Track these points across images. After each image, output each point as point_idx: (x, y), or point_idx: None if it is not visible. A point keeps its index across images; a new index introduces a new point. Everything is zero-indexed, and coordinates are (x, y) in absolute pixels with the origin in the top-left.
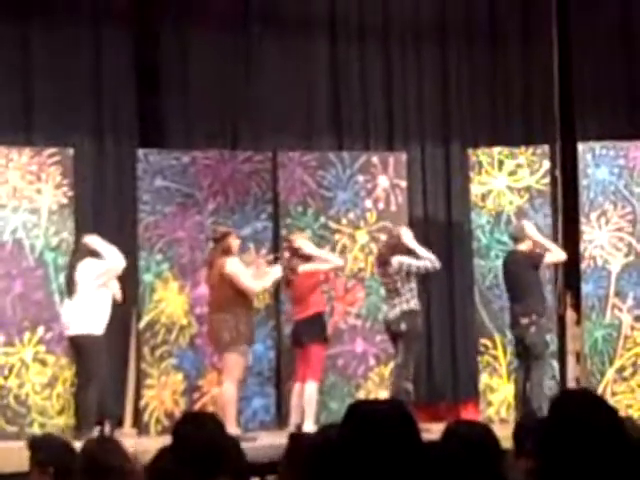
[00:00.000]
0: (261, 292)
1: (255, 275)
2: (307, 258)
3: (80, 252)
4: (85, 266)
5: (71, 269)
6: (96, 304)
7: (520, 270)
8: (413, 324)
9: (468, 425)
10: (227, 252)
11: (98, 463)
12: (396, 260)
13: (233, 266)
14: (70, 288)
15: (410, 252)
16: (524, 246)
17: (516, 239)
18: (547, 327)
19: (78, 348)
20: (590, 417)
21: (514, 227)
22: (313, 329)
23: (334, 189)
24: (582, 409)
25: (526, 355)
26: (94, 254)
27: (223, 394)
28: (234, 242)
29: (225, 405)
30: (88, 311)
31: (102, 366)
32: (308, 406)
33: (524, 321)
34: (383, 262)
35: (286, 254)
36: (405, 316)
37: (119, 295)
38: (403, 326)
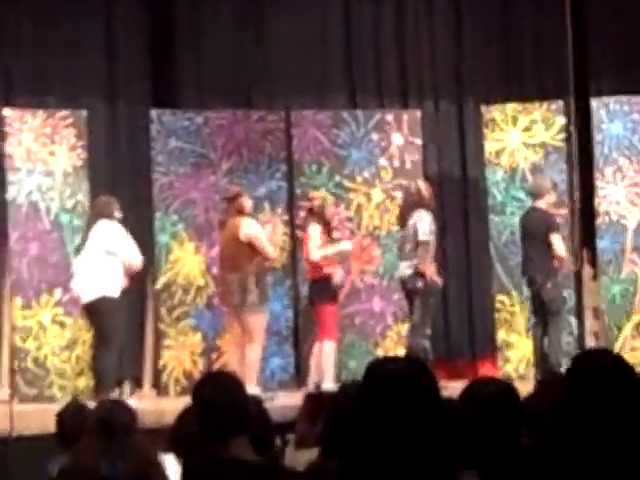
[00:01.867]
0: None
1: (270, 235)
2: (323, 220)
3: (94, 213)
4: (99, 229)
5: (85, 231)
6: (109, 266)
7: (537, 227)
8: (430, 281)
9: (489, 383)
10: (241, 212)
11: (107, 422)
12: (413, 220)
13: (251, 228)
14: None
15: (430, 208)
16: (542, 203)
17: (535, 195)
18: (563, 283)
19: (94, 312)
20: (610, 378)
21: (532, 183)
22: (323, 290)
23: (348, 147)
24: (601, 370)
25: (543, 311)
26: (108, 215)
27: (248, 355)
28: (246, 202)
29: (249, 366)
30: (101, 274)
31: (120, 328)
32: (326, 365)
33: (540, 277)
34: (403, 220)
35: (302, 213)
36: (420, 273)
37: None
38: (419, 283)
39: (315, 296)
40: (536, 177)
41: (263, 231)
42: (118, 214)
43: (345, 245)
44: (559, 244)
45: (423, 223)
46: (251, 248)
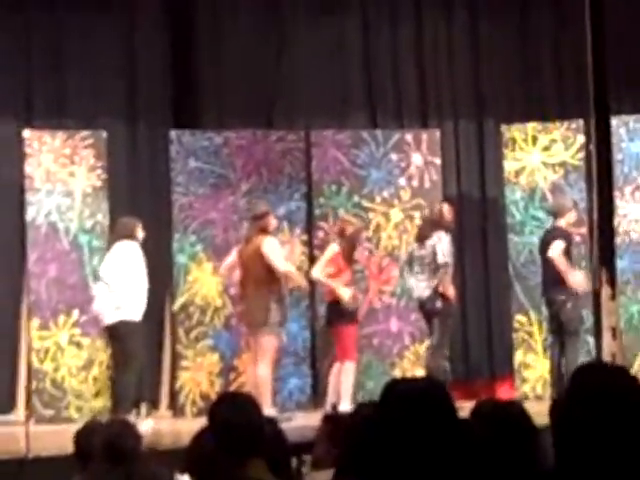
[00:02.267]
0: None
1: (288, 255)
2: (351, 244)
3: (116, 233)
4: (120, 248)
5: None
6: (132, 288)
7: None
8: (447, 302)
9: (495, 404)
10: (264, 231)
11: (112, 445)
12: (433, 240)
13: (269, 245)
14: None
15: (450, 230)
16: (563, 222)
17: (555, 214)
18: (582, 303)
19: (115, 335)
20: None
21: (553, 202)
22: (340, 311)
23: (368, 167)
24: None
25: (561, 331)
26: (129, 236)
27: (258, 375)
28: (272, 222)
29: (260, 386)
30: (124, 296)
31: (140, 351)
32: (344, 386)
33: (560, 297)
34: (422, 238)
35: (321, 233)
36: (439, 294)
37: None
38: (438, 304)
39: (333, 317)
40: (557, 196)
41: (281, 250)
42: (140, 234)
43: (344, 292)
44: (556, 248)
45: (442, 244)
46: (268, 266)
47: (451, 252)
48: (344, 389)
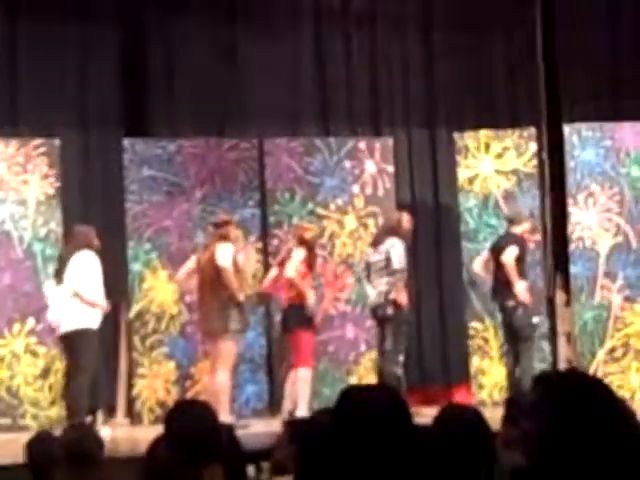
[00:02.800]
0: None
1: (243, 262)
2: (311, 251)
3: (75, 242)
4: (81, 258)
5: (62, 260)
6: (89, 296)
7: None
8: (399, 309)
9: (459, 409)
10: (224, 239)
11: (73, 450)
12: (386, 246)
13: (223, 258)
14: (59, 279)
15: (406, 239)
16: (518, 229)
17: (511, 221)
18: (533, 309)
19: (71, 343)
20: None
21: (510, 209)
22: (298, 315)
23: (321, 175)
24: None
25: (514, 338)
26: (90, 246)
27: (217, 382)
28: (233, 232)
29: (219, 393)
30: (79, 305)
31: (93, 358)
32: (301, 392)
33: (510, 303)
34: (375, 243)
35: (276, 241)
36: (391, 301)
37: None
38: (389, 311)
39: (291, 322)
40: (512, 204)
41: (239, 258)
42: (96, 243)
43: (311, 296)
44: (509, 253)
45: (396, 250)
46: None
47: (405, 259)
48: (301, 396)
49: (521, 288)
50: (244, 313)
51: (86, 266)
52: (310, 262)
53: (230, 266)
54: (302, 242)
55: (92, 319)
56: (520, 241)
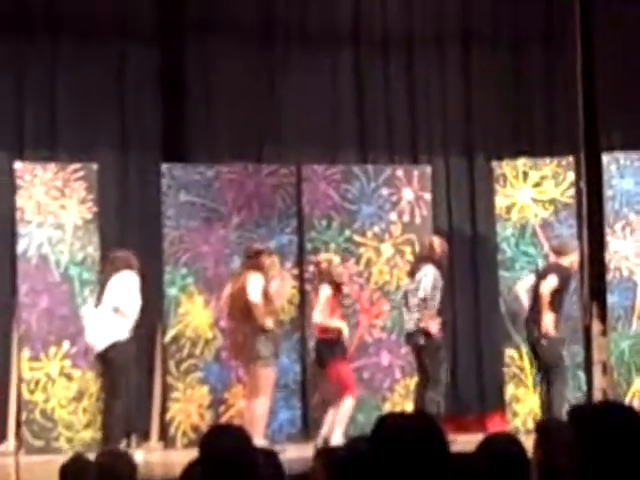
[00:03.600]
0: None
1: (278, 288)
2: (331, 280)
3: (114, 265)
4: (121, 277)
5: (101, 284)
6: (129, 311)
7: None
8: (430, 337)
9: (498, 439)
10: (256, 268)
11: (106, 474)
12: (420, 274)
13: (252, 279)
14: (98, 302)
15: (440, 264)
16: (566, 260)
17: (558, 252)
18: (560, 340)
19: (108, 360)
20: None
21: (558, 240)
22: (331, 348)
23: (358, 202)
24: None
25: (544, 368)
26: (130, 267)
27: (256, 408)
28: (266, 260)
29: (256, 419)
30: (113, 322)
31: (130, 374)
32: (340, 419)
33: (534, 334)
34: (412, 272)
35: (312, 267)
36: (421, 329)
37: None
38: (420, 340)
39: (325, 354)
40: (561, 235)
41: (272, 286)
42: (136, 263)
43: (343, 326)
44: (548, 283)
45: (427, 278)
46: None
47: (438, 287)
48: (339, 422)
49: (548, 320)
50: (274, 340)
51: (126, 284)
52: (337, 293)
53: (260, 300)
54: (322, 275)
55: (121, 333)
56: (563, 271)
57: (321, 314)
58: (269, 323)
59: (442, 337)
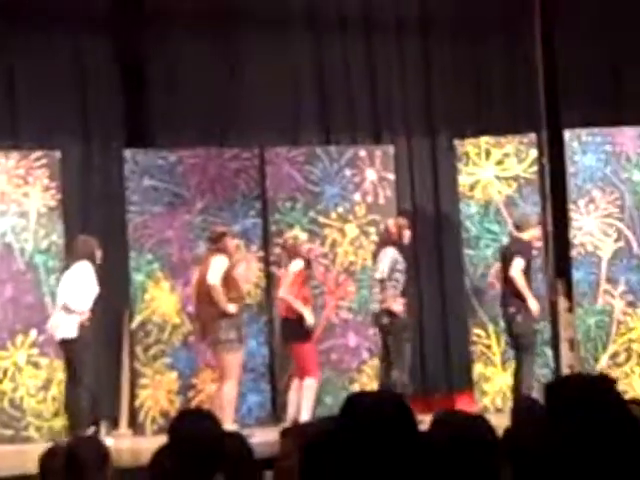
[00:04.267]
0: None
1: (244, 272)
2: (300, 256)
3: (75, 253)
4: (74, 269)
5: (63, 271)
6: (77, 307)
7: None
8: (395, 317)
9: (456, 415)
10: (222, 251)
11: (76, 460)
12: (379, 256)
13: (214, 262)
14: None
15: (398, 244)
16: (526, 235)
17: (519, 227)
18: (533, 316)
19: (65, 352)
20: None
21: (518, 215)
22: (296, 329)
23: (322, 184)
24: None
25: (515, 344)
26: (90, 257)
27: (224, 392)
28: (230, 242)
29: (225, 403)
30: (67, 315)
31: (87, 367)
32: (306, 402)
33: (511, 309)
34: (374, 255)
35: (277, 250)
36: (385, 310)
37: None
38: (384, 320)
39: (288, 334)
40: (519, 209)
41: (238, 269)
42: (98, 254)
43: (309, 318)
44: (516, 266)
45: (384, 261)
46: (225, 285)
47: (399, 268)
48: (305, 405)
49: (533, 302)
50: (237, 324)
51: (78, 277)
52: (304, 274)
53: (218, 282)
54: (288, 252)
55: (79, 326)
56: (526, 249)
57: (287, 290)
58: (231, 307)
59: (407, 317)
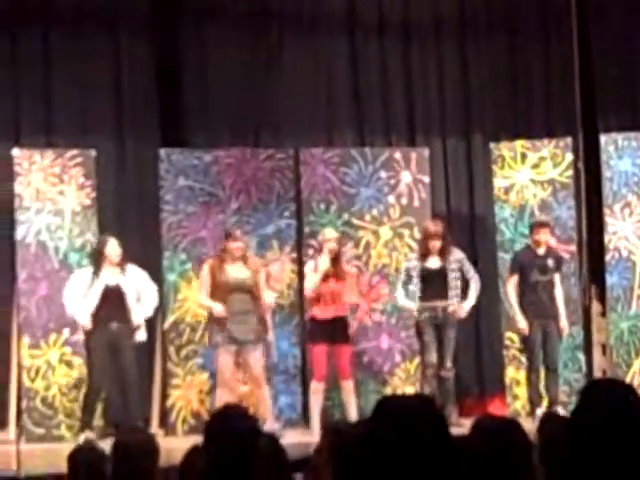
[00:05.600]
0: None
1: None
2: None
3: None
4: (78, 275)
5: None
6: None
7: None
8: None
9: (494, 420)
10: (221, 252)
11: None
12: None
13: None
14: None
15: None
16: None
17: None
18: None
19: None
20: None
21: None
22: (308, 329)
23: (357, 185)
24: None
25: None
26: (97, 258)
27: (215, 399)
28: (231, 244)
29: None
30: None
31: (97, 365)
32: (353, 403)
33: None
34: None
35: (311, 251)
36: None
37: None
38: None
39: (335, 336)
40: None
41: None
42: (113, 251)
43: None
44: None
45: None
46: (211, 286)
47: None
48: (354, 407)
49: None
50: (228, 325)
51: (71, 288)
52: (334, 266)
53: (200, 285)
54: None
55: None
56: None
57: (312, 290)
58: (217, 308)
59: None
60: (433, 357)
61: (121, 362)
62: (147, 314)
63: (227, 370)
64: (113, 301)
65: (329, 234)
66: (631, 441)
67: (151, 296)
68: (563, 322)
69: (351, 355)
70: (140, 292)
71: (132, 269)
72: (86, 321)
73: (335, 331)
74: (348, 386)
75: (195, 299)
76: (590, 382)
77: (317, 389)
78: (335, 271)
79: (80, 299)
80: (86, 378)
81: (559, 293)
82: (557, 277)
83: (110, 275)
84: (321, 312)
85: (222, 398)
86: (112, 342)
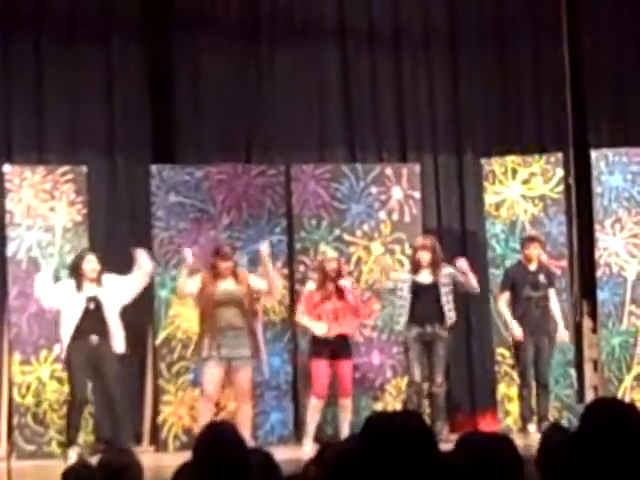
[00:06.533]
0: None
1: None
2: (323, 273)
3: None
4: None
5: None
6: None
7: None
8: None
9: (480, 436)
10: (210, 269)
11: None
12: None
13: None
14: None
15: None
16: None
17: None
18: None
19: None
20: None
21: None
22: (311, 344)
23: (348, 201)
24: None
25: None
26: (73, 273)
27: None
28: (220, 262)
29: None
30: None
31: (75, 381)
32: (347, 421)
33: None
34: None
35: (302, 267)
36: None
37: None
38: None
39: (337, 352)
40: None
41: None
42: (89, 267)
43: (318, 329)
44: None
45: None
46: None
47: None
48: (347, 424)
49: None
50: (219, 339)
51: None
52: (323, 287)
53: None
54: (314, 269)
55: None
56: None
57: (301, 314)
58: (320, 330)
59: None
60: (416, 375)
61: (105, 378)
62: (137, 286)
63: (212, 384)
64: (92, 314)
65: (330, 254)
66: (633, 459)
67: (135, 275)
68: (563, 332)
69: (352, 372)
70: (121, 281)
71: (107, 278)
72: (55, 303)
73: (338, 348)
74: (347, 404)
75: (187, 315)
76: (595, 400)
77: (316, 406)
78: (336, 289)
79: (50, 283)
80: (68, 394)
81: (555, 306)
82: (552, 292)
83: (87, 289)
84: (324, 330)
85: (203, 413)
86: (93, 356)
